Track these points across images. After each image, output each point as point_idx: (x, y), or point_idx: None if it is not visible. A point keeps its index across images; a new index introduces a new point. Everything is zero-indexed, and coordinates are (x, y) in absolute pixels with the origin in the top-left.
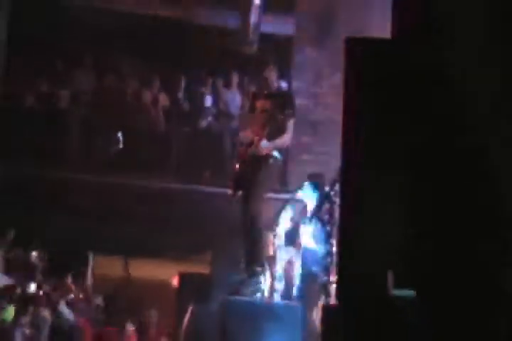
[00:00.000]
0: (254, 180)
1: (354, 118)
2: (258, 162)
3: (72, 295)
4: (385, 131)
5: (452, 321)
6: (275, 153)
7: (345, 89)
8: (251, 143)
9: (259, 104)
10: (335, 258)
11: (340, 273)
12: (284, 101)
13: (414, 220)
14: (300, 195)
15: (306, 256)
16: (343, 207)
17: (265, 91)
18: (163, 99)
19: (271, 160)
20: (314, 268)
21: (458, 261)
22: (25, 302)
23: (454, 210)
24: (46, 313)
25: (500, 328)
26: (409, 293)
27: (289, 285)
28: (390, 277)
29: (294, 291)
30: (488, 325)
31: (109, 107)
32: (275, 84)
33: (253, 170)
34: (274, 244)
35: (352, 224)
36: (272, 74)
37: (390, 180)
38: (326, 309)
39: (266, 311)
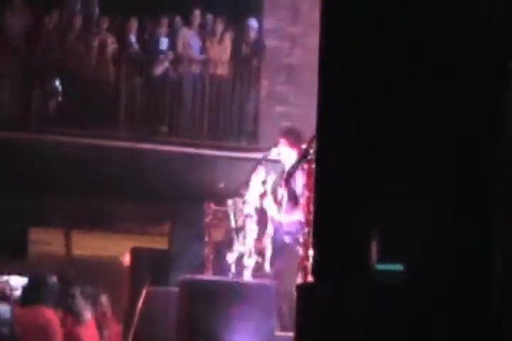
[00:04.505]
0: None
1: (332, 60)
2: None
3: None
4: (369, 74)
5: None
6: None
7: (322, 25)
8: None
9: None
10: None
11: (315, 246)
12: None
13: (402, 184)
14: (274, 153)
15: (279, 226)
16: (318, 171)
17: None
18: (112, 42)
19: None
20: (288, 240)
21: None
22: None
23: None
24: None
25: None
26: (395, 267)
27: (261, 260)
28: (374, 249)
29: (267, 268)
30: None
31: (47, 52)
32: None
33: None
34: (243, 212)
35: (329, 190)
36: None
37: (375, 140)
38: (301, 288)
39: (235, 292)
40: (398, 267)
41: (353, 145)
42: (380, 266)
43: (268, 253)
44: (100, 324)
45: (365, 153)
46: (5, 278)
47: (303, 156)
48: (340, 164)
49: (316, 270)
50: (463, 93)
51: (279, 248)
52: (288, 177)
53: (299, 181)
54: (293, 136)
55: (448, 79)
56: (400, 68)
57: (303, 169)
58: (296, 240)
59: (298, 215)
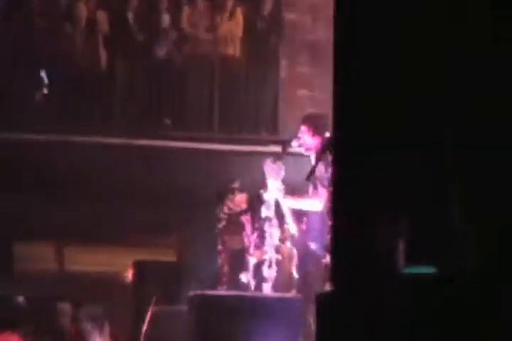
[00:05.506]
0: None
1: (348, 39)
2: None
3: None
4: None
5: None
6: None
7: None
8: None
9: None
10: None
11: (333, 249)
12: None
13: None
14: (296, 145)
15: (303, 230)
16: (336, 163)
17: None
18: (103, 20)
19: None
20: (313, 246)
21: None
22: None
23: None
24: None
25: None
26: (427, 269)
27: (283, 270)
28: (401, 249)
29: (291, 279)
30: None
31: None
32: None
33: None
34: (261, 214)
35: (348, 184)
36: None
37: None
38: (320, 297)
39: (254, 308)
40: (430, 270)
41: (372, 138)
42: (410, 270)
43: (292, 262)
44: None
45: (383, 149)
46: None
47: (326, 146)
48: (357, 161)
49: (333, 277)
50: None
51: (303, 256)
52: (310, 175)
53: (323, 171)
54: (315, 123)
55: None
56: (414, 67)
57: (327, 160)
58: (323, 247)
59: (318, 204)
